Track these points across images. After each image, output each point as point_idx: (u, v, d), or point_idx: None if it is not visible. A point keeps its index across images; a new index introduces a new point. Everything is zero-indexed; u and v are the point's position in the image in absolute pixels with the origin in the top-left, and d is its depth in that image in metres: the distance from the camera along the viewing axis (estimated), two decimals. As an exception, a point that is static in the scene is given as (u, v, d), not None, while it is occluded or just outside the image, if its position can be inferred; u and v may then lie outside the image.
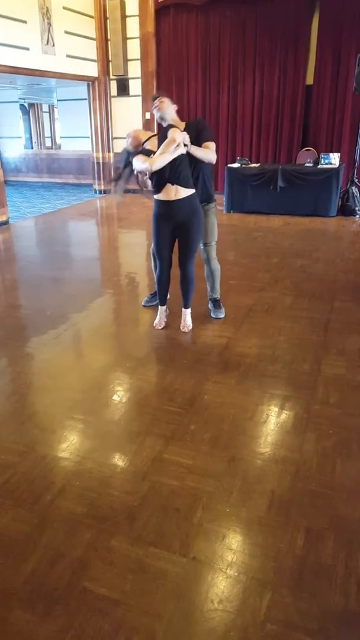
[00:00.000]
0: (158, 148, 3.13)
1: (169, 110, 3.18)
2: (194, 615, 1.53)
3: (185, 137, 3.10)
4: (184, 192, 3.19)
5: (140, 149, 3.30)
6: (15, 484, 2.08)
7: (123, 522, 1.87)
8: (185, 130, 3.21)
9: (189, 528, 1.84)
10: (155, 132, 3.36)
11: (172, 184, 3.17)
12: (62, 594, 1.59)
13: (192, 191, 3.24)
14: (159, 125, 3.32)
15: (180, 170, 3.13)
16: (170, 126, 3.13)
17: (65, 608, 1.55)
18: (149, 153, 3.20)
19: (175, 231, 3.34)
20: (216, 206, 3.67)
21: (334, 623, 1.51)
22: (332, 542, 1.77)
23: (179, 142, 3.05)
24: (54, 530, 1.84)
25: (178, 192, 3.19)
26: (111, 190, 3.93)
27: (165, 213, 3.28)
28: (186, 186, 3.20)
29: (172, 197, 3.20)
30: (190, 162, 3.23)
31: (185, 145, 3.11)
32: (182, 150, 3.10)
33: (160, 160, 3.05)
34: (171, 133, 3.05)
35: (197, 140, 3.22)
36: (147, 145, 3.29)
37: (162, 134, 3.16)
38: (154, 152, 3.14)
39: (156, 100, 3.17)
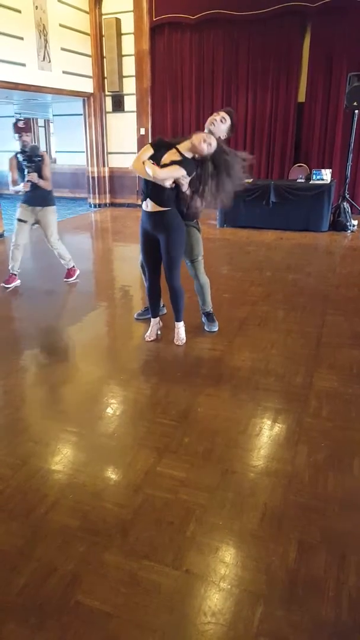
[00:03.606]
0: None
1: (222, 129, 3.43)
2: (187, 628, 1.53)
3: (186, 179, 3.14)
4: (158, 208, 3.23)
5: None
6: (9, 497, 2.08)
7: (116, 535, 1.88)
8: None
9: (182, 541, 1.85)
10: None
11: (149, 198, 3.22)
12: (55, 607, 1.59)
13: (167, 209, 3.23)
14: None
15: (156, 187, 3.14)
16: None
17: (58, 621, 1.55)
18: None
19: (156, 243, 3.38)
20: (199, 222, 3.62)
21: (325, 636, 1.52)
22: (324, 555, 1.79)
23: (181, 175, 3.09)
24: (47, 544, 1.84)
25: (154, 206, 3.23)
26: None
27: (145, 223, 3.35)
28: (160, 204, 3.21)
29: (150, 209, 3.26)
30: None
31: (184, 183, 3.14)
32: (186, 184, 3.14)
33: (167, 173, 3.07)
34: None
35: None
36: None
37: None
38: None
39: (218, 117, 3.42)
